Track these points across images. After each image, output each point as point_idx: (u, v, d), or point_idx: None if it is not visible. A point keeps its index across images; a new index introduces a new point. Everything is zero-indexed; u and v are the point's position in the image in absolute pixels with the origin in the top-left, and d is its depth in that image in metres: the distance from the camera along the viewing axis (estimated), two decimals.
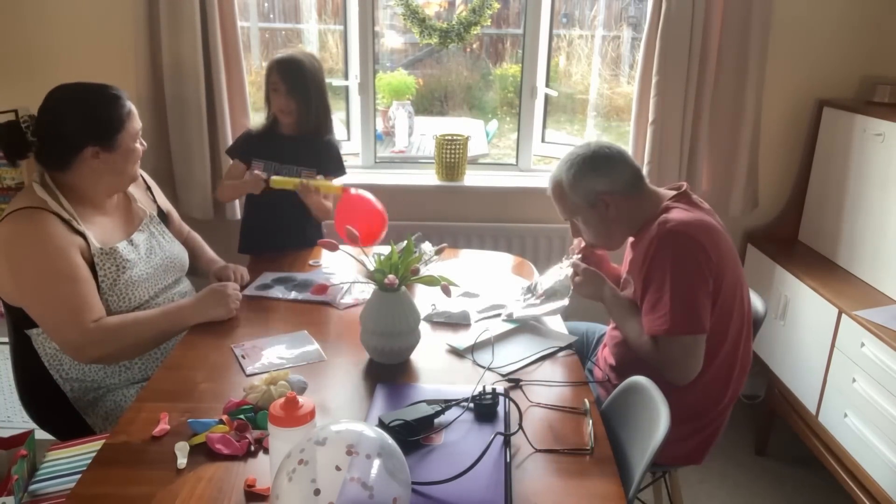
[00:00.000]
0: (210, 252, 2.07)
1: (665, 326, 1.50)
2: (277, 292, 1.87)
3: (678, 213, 1.58)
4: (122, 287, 1.62)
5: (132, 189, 1.82)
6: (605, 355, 1.81)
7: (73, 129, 1.57)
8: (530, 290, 1.84)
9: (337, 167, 2.29)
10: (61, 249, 1.52)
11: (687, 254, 1.51)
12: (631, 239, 1.73)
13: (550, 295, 1.77)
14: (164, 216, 1.90)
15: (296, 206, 2.17)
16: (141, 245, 1.72)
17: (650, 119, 2.48)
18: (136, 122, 1.67)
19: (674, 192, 1.66)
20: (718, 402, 1.63)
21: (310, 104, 2.16)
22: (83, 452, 1.39)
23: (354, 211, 2.04)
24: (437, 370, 1.51)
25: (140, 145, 1.70)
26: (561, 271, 1.80)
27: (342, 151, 2.32)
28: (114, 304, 1.61)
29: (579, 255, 1.81)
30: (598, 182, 1.63)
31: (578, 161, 1.65)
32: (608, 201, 1.63)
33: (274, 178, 2.09)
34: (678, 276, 1.50)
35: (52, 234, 1.52)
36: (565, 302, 1.75)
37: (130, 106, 1.65)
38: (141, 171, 1.92)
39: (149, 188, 1.92)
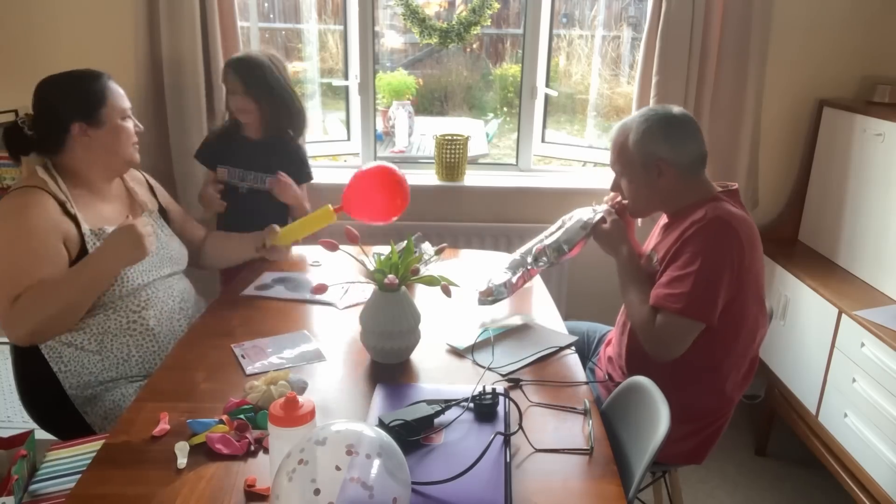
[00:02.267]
0: (238, 235, 2.00)
1: (679, 305, 1.49)
2: (277, 292, 1.87)
3: (728, 206, 1.57)
4: None
5: (134, 185, 1.84)
6: (609, 353, 1.81)
7: (58, 108, 1.64)
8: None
9: (300, 173, 2.21)
10: (39, 228, 1.55)
11: (725, 244, 1.51)
12: (664, 221, 1.72)
13: (570, 232, 1.75)
14: (164, 213, 1.91)
15: (267, 208, 2.13)
16: None
17: None
18: (122, 100, 1.70)
19: (723, 189, 1.65)
20: (725, 403, 1.64)
21: (270, 103, 2.09)
22: (83, 452, 1.39)
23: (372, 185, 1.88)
24: (437, 370, 1.51)
25: (134, 126, 1.73)
26: (589, 211, 1.79)
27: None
28: (106, 287, 1.63)
29: (613, 208, 1.78)
30: (664, 148, 1.60)
31: (654, 119, 1.62)
32: (663, 170, 1.61)
33: (280, 231, 1.91)
34: (708, 262, 1.49)
35: (36, 213, 1.56)
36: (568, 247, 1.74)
37: (114, 85, 1.70)
38: (144, 173, 1.95)
39: (151, 187, 1.93)
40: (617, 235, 1.72)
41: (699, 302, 1.49)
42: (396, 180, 1.88)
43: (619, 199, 1.79)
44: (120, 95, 1.71)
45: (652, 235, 1.79)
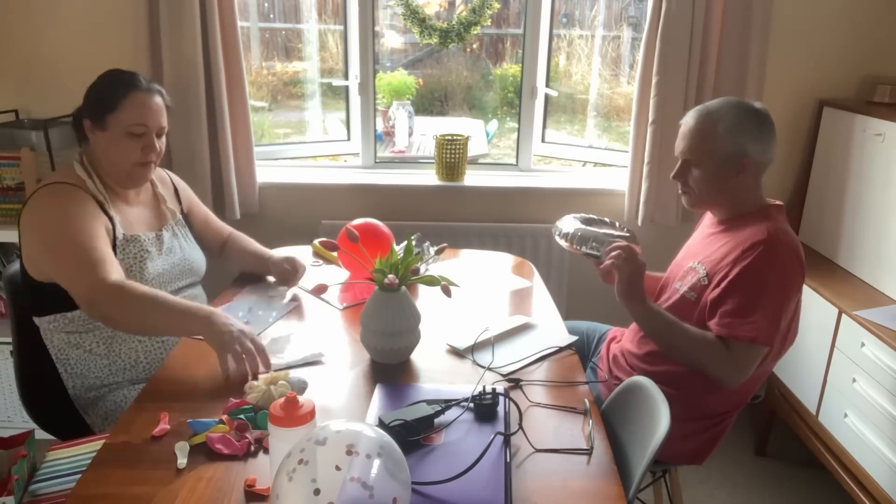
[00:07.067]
0: (257, 246, 1.95)
1: (752, 335, 1.47)
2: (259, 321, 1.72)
3: (786, 226, 1.56)
4: (136, 275, 1.63)
5: (162, 190, 1.83)
6: (614, 351, 1.80)
7: (84, 99, 1.65)
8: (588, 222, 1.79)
9: None
10: (88, 216, 1.56)
11: (792, 272, 1.50)
12: (709, 230, 1.68)
13: (592, 239, 1.67)
14: (185, 217, 1.89)
15: None
16: (164, 243, 1.74)
17: (650, 119, 2.48)
18: (137, 115, 1.61)
19: (773, 203, 1.63)
20: (736, 405, 1.64)
21: None
22: (83, 452, 1.39)
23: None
24: (437, 370, 1.51)
25: (146, 147, 1.64)
26: (613, 231, 1.73)
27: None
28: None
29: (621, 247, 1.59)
30: (754, 144, 1.54)
31: (749, 112, 1.56)
32: (745, 166, 1.55)
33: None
34: (779, 290, 1.48)
35: (81, 205, 1.56)
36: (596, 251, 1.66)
37: (141, 98, 1.62)
38: (170, 173, 1.93)
39: (176, 190, 1.90)
40: (638, 273, 1.56)
41: (770, 330, 1.48)
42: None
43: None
44: (137, 111, 1.61)
45: (692, 244, 1.75)
